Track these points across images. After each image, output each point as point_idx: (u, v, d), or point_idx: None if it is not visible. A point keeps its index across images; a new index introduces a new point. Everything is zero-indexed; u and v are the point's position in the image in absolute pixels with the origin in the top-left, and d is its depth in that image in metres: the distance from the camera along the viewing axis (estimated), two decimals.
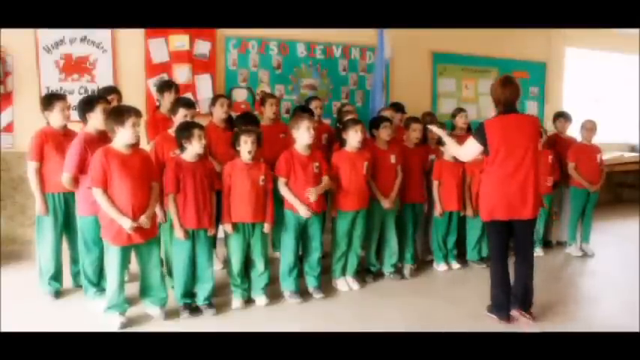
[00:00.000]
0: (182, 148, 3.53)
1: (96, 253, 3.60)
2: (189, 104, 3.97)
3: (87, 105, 3.65)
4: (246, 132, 3.68)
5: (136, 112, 3.28)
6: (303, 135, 3.81)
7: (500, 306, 3.53)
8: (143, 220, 3.25)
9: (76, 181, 3.58)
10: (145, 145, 4.04)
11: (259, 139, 3.72)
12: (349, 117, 4.49)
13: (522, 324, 3.46)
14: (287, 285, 3.91)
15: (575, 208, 5.31)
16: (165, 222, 3.69)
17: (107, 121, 3.30)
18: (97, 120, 3.59)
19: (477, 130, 3.50)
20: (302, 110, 4.67)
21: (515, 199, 3.38)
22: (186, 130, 3.51)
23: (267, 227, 3.74)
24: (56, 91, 4.83)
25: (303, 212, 3.78)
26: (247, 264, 3.80)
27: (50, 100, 3.79)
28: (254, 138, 3.66)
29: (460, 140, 4.68)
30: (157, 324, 3.42)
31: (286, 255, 3.91)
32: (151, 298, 3.47)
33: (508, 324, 3.49)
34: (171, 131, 3.77)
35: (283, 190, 3.83)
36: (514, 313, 3.50)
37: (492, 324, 3.51)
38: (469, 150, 3.59)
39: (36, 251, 3.90)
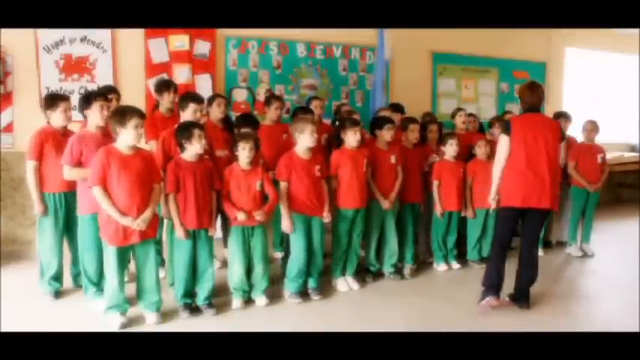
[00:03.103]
0: (182, 148, 3.53)
1: (94, 252, 3.58)
2: (199, 99, 4.01)
3: (84, 101, 3.66)
4: (244, 138, 3.68)
5: (139, 114, 3.28)
6: (306, 139, 3.81)
7: (492, 287, 3.68)
8: (140, 220, 3.24)
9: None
10: (144, 145, 4.03)
11: (257, 144, 3.73)
12: (351, 117, 4.49)
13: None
14: (292, 286, 3.89)
15: (576, 207, 5.31)
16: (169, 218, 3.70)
17: (111, 122, 3.32)
18: (94, 117, 3.61)
19: (505, 127, 3.74)
20: (302, 110, 4.68)
21: (534, 189, 3.60)
22: (186, 130, 3.51)
23: (259, 215, 3.64)
24: (56, 91, 4.82)
25: (286, 227, 3.80)
26: (248, 266, 3.78)
27: (54, 99, 3.77)
28: (252, 144, 3.66)
29: (461, 139, 4.73)
30: (157, 324, 3.42)
31: (296, 256, 3.86)
32: (144, 302, 3.45)
33: (497, 305, 3.67)
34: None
35: (282, 197, 3.80)
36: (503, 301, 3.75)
37: (492, 324, 3.50)
38: (503, 148, 3.69)
39: (37, 251, 3.90)
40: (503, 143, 3.67)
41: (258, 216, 3.65)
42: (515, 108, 6.85)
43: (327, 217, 3.93)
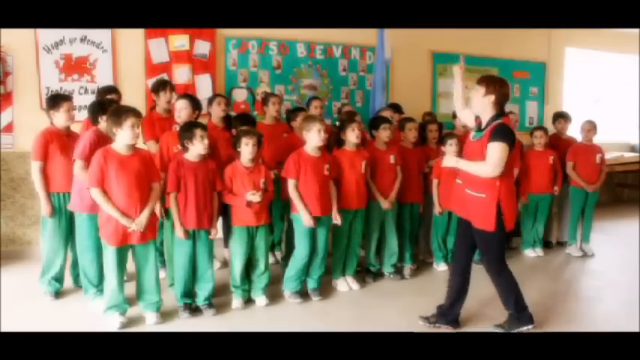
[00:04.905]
0: (185, 148, 3.53)
1: (94, 252, 3.59)
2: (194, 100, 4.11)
3: (100, 109, 3.64)
4: (247, 134, 3.67)
5: (135, 113, 3.27)
6: (313, 137, 3.79)
7: (527, 309, 3.35)
8: (138, 221, 3.24)
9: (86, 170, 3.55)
10: (142, 145, 4.03)
11: (260, 141, 3.72)
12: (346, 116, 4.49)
13: None
14: (291, 286, 3.89)
15: (575, 208, 5.31)
16: (166, 218, 3.69)
17: (107, 123, 3.31)
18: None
19: (506, 133, 3.05)
20: (294, 112, 4.68)
21: None
22: (188, 130, 3.51)
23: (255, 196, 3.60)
24: (56, 91, 4.83)
25: (307, 221, 3.75)
26: (248, 265, 3.79)
27: (57, 100, 3.77)
28: (255, 140, 3.65)
29: (462, 139, 4.70)
30: (157, 324, 3.42)
31: (299, 255, 3.85)
32: (144, 302, 3.45)
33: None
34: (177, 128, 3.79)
35: (293, 194, 3.79)
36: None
37: (492, 324, 3.50)
38: (501, 158, 3.03)
39: (41, 250, 3.90)
40: (504, 153, 3.02)
41: (255, 196, 3.58)
42: (515, 108, 6.86)
43: (335, 217, 3.90)
